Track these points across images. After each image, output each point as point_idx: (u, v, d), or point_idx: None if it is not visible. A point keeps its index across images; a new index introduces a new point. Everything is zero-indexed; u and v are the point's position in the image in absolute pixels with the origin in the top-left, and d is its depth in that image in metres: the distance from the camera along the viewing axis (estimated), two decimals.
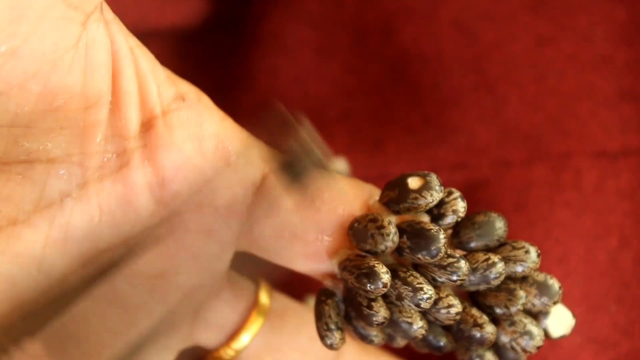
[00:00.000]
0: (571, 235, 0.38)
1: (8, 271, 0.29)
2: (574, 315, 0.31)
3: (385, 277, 0.28)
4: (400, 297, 0.29)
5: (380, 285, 0.28)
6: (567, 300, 0.37)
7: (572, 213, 0.38)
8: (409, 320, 0.29)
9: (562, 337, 0.31)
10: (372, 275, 0.28)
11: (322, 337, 0.30)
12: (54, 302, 0.29)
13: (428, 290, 0.28)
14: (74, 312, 0.30)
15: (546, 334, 0.31)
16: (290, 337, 0.34)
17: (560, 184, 0.38)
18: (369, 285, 0.28)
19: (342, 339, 0.30)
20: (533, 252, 0.30)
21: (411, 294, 0.29)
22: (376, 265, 0.28)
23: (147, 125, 0.30)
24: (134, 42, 0.29)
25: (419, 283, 0.29)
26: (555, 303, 0.30)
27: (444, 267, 0.29)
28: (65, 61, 0.27)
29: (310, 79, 0.42)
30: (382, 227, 0.29)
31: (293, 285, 0.36)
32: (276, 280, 0.35)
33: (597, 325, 0.37)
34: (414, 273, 0.29)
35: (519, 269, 0.30)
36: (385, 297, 0.29)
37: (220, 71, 0.43)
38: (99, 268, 0.29)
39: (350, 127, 0.42)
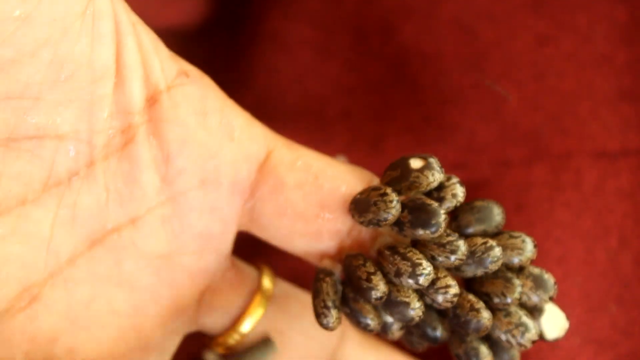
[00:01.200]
0: (571, 235, 0.38)
1: (18, 251, 0.29)
2: (568, 317, 0.31)
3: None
4: (399, 273, 0.29)
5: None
6: (566, 300, 0.37)
7: (572, 213, 0.38)
8: (407, 299, 0.29)
9: (556, 340, 0.31)
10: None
11: (318, 316, 0.30)
12: None
13: (427, 267, 0.29)
14: (82, 293, 0.30)
15: (540, 336, 0.31)
16: (294, 321, 0.34)
17: (560, 183, 0.38)
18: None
19: (338, 319, 0.30)
20: (530, 243, 0.30)
21: (410, 269, 0.29)
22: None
23: (152, 101, 0.30)
24: (135, 18, 0.29)
25: (418, 259, 0.29)
26: (550, 298, 0.30)
27: (442, 245, 0.29)
28: (74, 29, 0.27)
29: (310, 77, 0.42)
30: (385, 194, 0.29)
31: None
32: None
33: (596, 325, 0.37)
34: (414, 250, 0.29)
35: (515, 258, 0.30)
36: (384, 275, 0.29)
37: (220, 71, 0.43)
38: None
39: (350, 126, 0.42)
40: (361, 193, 0.30)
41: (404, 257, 0.29)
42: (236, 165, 0.31)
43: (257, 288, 0.34)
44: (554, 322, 0.31)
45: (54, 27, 0.26)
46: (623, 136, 0.38)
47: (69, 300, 0.30)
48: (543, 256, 0.38)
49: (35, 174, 0.29)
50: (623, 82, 0.39)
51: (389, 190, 0.29)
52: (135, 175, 0.30)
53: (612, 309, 0.37)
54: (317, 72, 0.42)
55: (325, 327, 0.30)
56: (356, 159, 0.42)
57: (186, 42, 0.44)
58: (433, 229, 0.28)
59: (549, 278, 0.31)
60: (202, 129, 0.30)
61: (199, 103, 0.30)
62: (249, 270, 0.34)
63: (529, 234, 0.37)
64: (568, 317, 0.32)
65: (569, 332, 0.36)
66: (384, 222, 0.29)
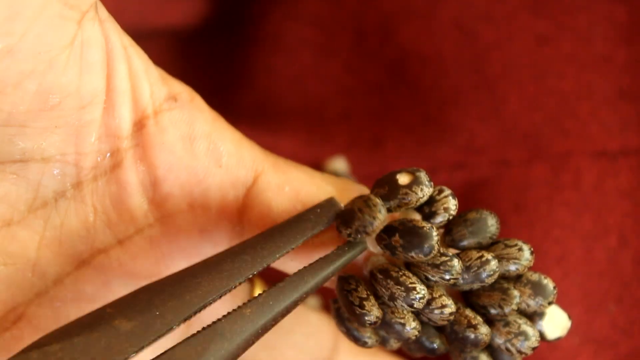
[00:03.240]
0: (570, 235, 0.38)
1: (3, 273, 0.29)
2: (570, 316, 0.31)
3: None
4: (392, 298, 0.29)
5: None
6: (566, 300, 0.37)
7: (572, 213, 0.38)
8: (402, 321, 0.29)
9: (558, 340, 0.31)
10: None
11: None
12: None
13: (421, 290, 0.28)
14: (68, 313, 0.30)
15: (542, 336, 0.30)
16: (286, 335, 0.34)
17: (560, 183, 0.38)
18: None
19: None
20: (526, 250, 0.29)
21: (404, 294, 0.28)
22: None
23: (139, 125, 0.30)
24: (127, 41, 0.29)
25: (411, 283, 0.28)
26: (550, 303, 0.30)
27: (437, 266, 0.28)
28: (60, 60, 0.27)
29: (310, 78, 0.42)
30: (368, 199, 0.29)
31: None
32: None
33: (596, 325, 0.37)
34: (407, 273, 0.29)
35: (512, 267, 0.29)
36: (377, 297, 0.29)
37: (220, 71, 0.43)
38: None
39: (349, 127, 0.42)
40: (346, 205, 0.30)
41: (397, 282, 0.28)
42: (224, 191, 0.31)
43: None
44: (555, 322, 0.31)
45: (39, 60, 0.26)
46: (623, 136, 0.38)
47: (55, 320, 0.30)
48: (543, 256, 0.38)
49: (21, 195, 0.29)
50: (622, 82, 0.39)
51: (371, 195, 0.29)
52: (123, 198, 0.30)
53: (612, 308, 0.37)
54: (317, 73, 0.42)
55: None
56: (356, 160, 0.42)
57: (186, 42, 0.44)
58: (426, 252, 0.28)
59: (548, 283, 0.30)
60: (189, 155, 0.30)
61: (187, 128, 0.30)
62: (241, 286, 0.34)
63: (529, 234, 0.37)
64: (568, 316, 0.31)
65: (569, 332, 0.36)
66: (372, 229, 0.29)
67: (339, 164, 0.42)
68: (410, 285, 0.28)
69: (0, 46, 0.25)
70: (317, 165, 0.42)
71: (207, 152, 0.30)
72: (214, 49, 0.44)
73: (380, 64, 0.42)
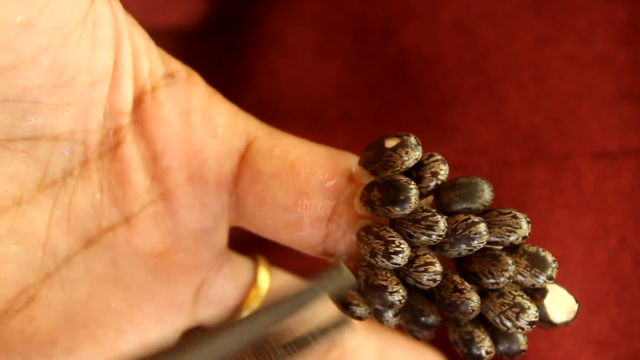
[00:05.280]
0: (571, 236, 0.38)
1: (15, 252, 0.29)
2: (577, 300, 0.29)
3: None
4: (373, 253, 0.28)
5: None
6: None
7: (572, 213, 0.38)
8: (384, 283, 0.28)
9: (566, 324, 0.29)
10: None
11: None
12: None
13: (400, 244, 0.27)
14: (79, 293, 0.30)
15: (546, 319, 0.28)
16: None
17: (560, 184, 0.38)
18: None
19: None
20: (522, 219, 0.28)
21: (383, 247, 0.27)
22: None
23: (138, 101, 0.30)
24: (130, 19, 0.30)
25: (390, 236, 0.27)
26: (549, 278, 0.28)
27: (417, 222, 0.27)
28: (74, 36, 0.27)
29: (310, 79, 0.42)
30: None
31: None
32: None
33: (596, 325, 0.37)
34: (387, 228, 0.28)
35: (507, 236, 0.28)
36: (360, 258, 0.28)
37: (221, 72, 0.43)
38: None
39: (350, 127, 0.42)
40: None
41: (377, 236, 0.28)
42: (220, 161, 0.31)
43: (254, 280, 0.34)
44: (561, 305, 0.29)
45: (54, 34, 0.27)
46: (623, 136, 0.38)
47: (66, 300, 0.30)
48: None
49: (30, 174, 0.29)
50: (623, 82, 0.39)
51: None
52: (126, 175, 0.30)
53: (612, 309, 0.37)
54: (317, 74, 0.42)
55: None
56: None
57: (186, 42, 0.44)
58: (403, 205, 0.27)
59: (547, 256, 0.28)
60: (185, 127, 0.30)
61: (182, 102, 0.31)
62: (245, 263, 0.34)
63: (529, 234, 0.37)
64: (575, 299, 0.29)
65: (569, 333, 0.36)
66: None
67: None
68: (389, 239, 0.27)
69: (20, 19, 0.26)
70: None
71: (203, 124, 0.31)
72: (214, 50, 0.44)
73: (380, 64, 0.42)
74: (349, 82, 0.42)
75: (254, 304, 0.33)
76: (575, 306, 0.29)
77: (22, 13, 0.26)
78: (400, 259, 0.27)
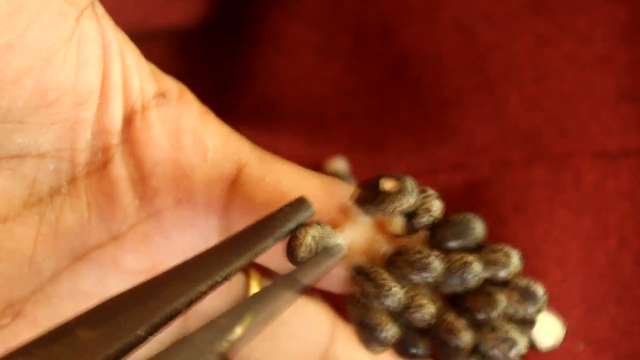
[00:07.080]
0: (570, 236, 0.38)
1: (0, 268, 0.29)
2: (567, 318, 0.30)
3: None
4: (366, 295, 0.28)
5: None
6: (566, 301, 0.37)
7: (572, 213, 0.38)
8: (377, 322, 0.28)
9: (552, 349, 0.30)
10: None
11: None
12: None
13: (392, 287, 0.27)
14: (65, 309, 0.30)
15: (533, 346, 0.30)
16: (284, 325, 0.34)
17: (560, 184, 0.38)
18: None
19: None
20: (514, 256, 0.28)
21: (374, 290, 0.27)
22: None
23: (128, 121, 0.30)
24: (121, 36, 0.29)
25: (383, 279, 0.28)
26: (539, 310, 0.29)
27: (411, 264, 0.27)
28: (59, 57, 0.27)
29: (310, 79, 0.42)
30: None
31: None
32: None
33: (596, 326, 0.37)
34: (380, 270, 0.28)
35: (498, 272, 0.28)
36: (353, 297, 0.29)
37: (220, 71, 0.43)
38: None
39: (350, 127, 0.42)
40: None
41: (369, 278, 0.28)
42: (210, 186, 0.31)
43: (245, 294, 0.33)
44: (548, 331, 0.30)
45: (38, 56, 0.26)
46: (623, 136, 0.38)
47: (52, 316, 0.30)
48: (542, 257, 0.38)
49: (17, 191, 0.29)
50: (623, 82, 0.39)
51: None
52: (115, 194, 0.30)
53: (612, 309, 0.37)
54: (317, 74, 0.42)
55: None
56: (356, 161, 0.42)
57: (186, 43, 0.44)
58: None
59: (537, 289, 0.28)
60: (175, 150, 0.30)
61: (173, 124, 0.30)
62: (236, 277, 0.34)
63: (529, 235, 0.37)
64: (567, 317, 0.30)
65: (569, 333, 0.36)
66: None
67: (339, 164, 0.42)
68: (381, 282, 0.28)
69: (1, 41, 0.25)
70: (318, 165, 0.42)
71: (193, 147, 0.30)
72: (214, 50, 0.44)
73: (380, 64, 0.42)
74: (349, 82, 0.42)
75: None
76: (563, 331, 0.30)
77: (3, 36, 0.25)
78: (392, 303, 0.28)
